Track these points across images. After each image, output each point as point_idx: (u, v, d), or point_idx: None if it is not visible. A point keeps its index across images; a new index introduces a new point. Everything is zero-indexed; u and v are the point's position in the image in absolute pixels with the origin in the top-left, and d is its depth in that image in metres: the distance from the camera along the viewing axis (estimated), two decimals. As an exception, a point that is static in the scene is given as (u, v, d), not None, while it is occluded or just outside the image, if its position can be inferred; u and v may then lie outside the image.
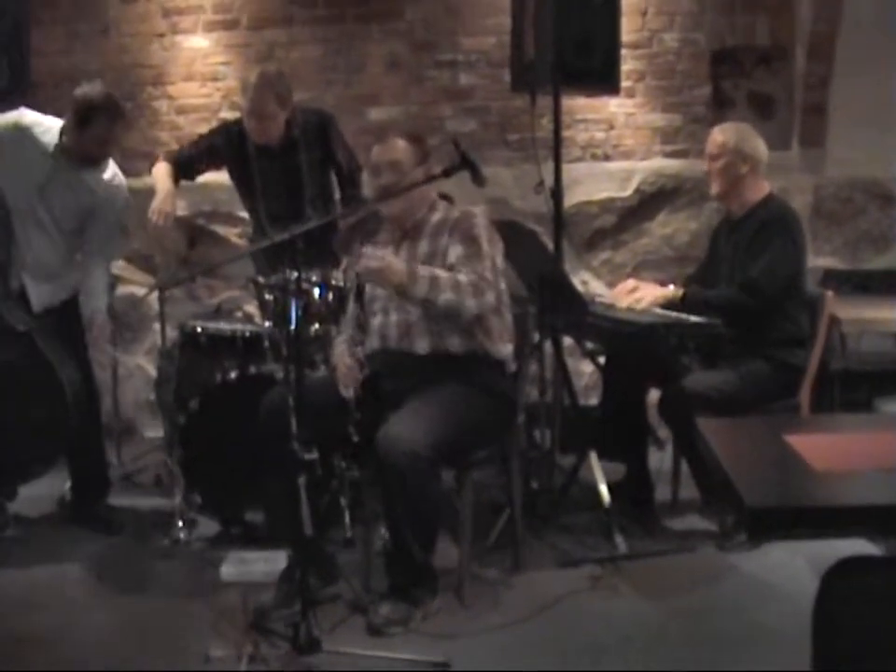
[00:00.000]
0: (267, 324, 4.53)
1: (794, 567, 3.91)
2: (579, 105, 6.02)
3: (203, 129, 5.50)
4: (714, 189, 4.50)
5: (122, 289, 5.83)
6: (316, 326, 4.39)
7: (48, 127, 4.36)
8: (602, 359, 4.93)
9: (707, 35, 6.07)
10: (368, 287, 3.84)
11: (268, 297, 4.53)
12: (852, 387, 5.21)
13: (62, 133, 4.32)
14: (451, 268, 3.71)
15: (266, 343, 4.45)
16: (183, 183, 4.96)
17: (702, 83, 6.11)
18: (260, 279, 4.55)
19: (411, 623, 3.56)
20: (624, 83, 5.44)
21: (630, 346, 4.39)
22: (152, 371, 6.00)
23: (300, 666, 3.24)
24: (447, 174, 3.60)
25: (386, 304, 3.81)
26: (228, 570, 4.03)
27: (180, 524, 4.38)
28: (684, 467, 4.53)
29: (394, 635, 3.51)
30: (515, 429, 4.04)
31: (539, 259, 4.48)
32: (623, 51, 5.12)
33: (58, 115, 4.37)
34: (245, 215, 5.31)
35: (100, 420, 4.71)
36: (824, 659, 2.21)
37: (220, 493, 4.38)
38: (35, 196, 4.34)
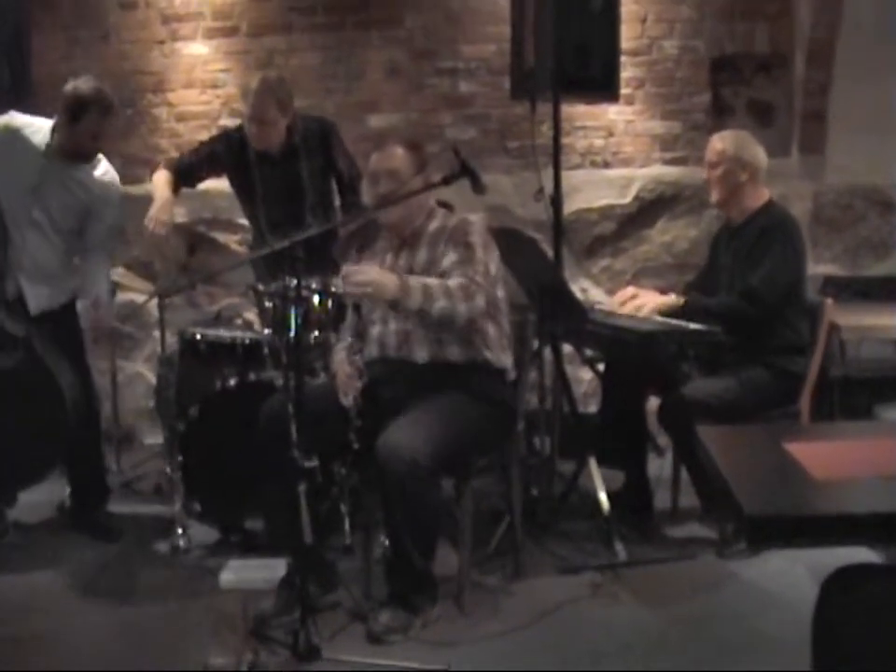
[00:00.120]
0: (267, 331, 4.53)
1: (794, 574, 3.91)
2: (578, 112, 6.02)
3: (203, 136, 5.52)
4: (714, 196, 4.50)
5: (122, 296, 5.82)
6: (316, 333, 4.38)
7: (38, 127, 4.36)
8: (602, 367, 4.92)
9: (706, 43, 6.08)
10: (365, 296, 3.84)
11: (268, 304, 4.52)
12: (852, 394, 5.22)
13: (53, 131, 4.32)
14: (443, 274, 3.70)
15: (266, 351, 4.44)
16: (183, 190, 4.96)
17: (701, 90, 6.12)
18: (260, 286, 4.54)
19: (411, 631, 3.56)
20: (624, 90, 5.45)
21: (630, 354, 4.39)
22: (152, 378, 6.00)
23: (299, 674, 3.24)
24: (447, 181, 3.59)
25: (385, 313, 3.80)
26: (227, 577, 4.03)
27: (180, 531, 4.38)
28: (684, 474, 4.52)
29: (394, 642, 3.50)
30: (515, 437, 4.03)
31: (539, 266, 4.48)
32: (623, 59, 5.13)
33: (56, 119, 4.38)
34: (244, 222, 5.31)
35: (99, 427, 4.71)
36: (824, 667, 2.21)
37: (220, 500, 4.37)
38: (30, 197, 4.33)
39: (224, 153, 4.91)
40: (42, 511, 4.78)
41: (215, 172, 5.00)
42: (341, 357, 3.88)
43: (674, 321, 4.28)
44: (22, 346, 4.22)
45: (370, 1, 6.12)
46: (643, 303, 4.44)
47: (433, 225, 3.87)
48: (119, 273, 4.60)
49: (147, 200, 4.78)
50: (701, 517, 4.49)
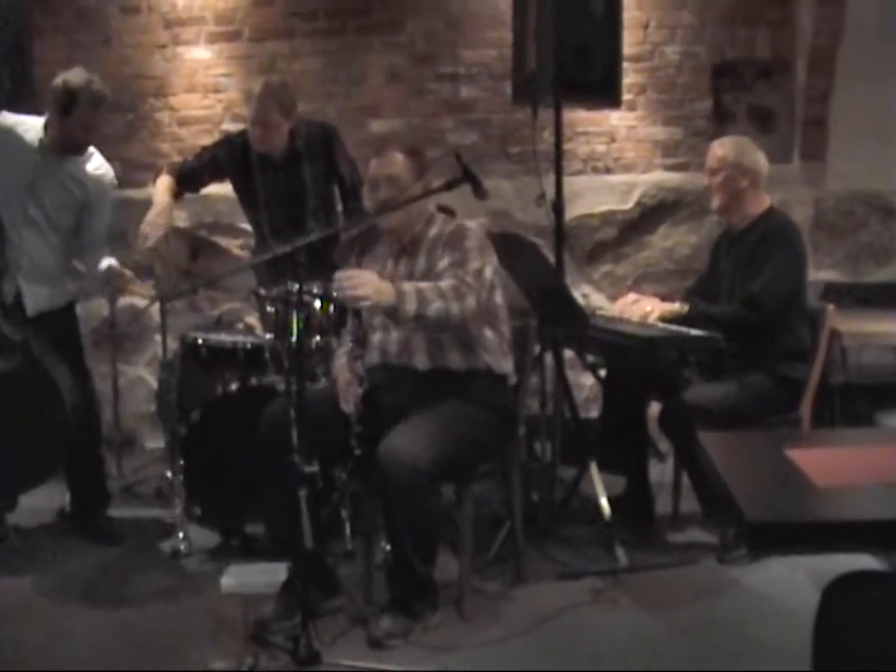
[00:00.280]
0: (268, 336, 4.53)
1: (795, 580, 3.91)
2: (580, 117, 6.03)
3: (205, 140, 5.52)
4: (714, 202, 4.50)
5: (123, 301, 5.83)
6: (318, 338, 4.38)
7: (30, 125, 4.36)
8: (603, 372, 4.93)
9: (707, 49, 6.09)
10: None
11: (269, 309, 4.52)
12: (853, 401, 5.21)
13: (45, 127, 4.33)
14: (436, 278, 3.69)
15: (267, 355, 4.44)
16: (185, 195, 4.97)
17: (703, 96, 6.13)
18: (262, 291, 4.54)
19: (411, 636, 3.56)
20: (626, 96, 5.43)
21: (631, 359, 4.39)
22: (153, 383, 6.01)
23: (300, 679, 3.24)
24: (449, 187, 3.59)
25: (386, 320, 3.79)
26: (228, 582, 4.00)
27: (180, 535, 4.37)
28: (685, 480, 4.52)
29: (394, 648, 3.50)
30: (516, 442, 4.04)
31: (541, 271, 4.48)
32: (625, 64, 5.12)
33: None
34: (246, 226, 5.31)
35: (99, 431, 4.71)
36: (825, 673, 2.21)
37: (221, 504, 4.37)
38: (25, 195, 4.33)
39: (227, 158, 4.92)
40: (42, 516, 4.78)
41: (217, 177, 5.01)
42: (341, 363, 3.88)
43: (675, 327, 4.28)
44: (21, 349, 4.21)
45: (371, 6, 6.13)
46: (652, 309, 4.44)
47: (432, 231, 3.86)
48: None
49: (149, 204, 4.78)
50: (702, 523, 4.49)
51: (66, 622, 3.81)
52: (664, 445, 4.80)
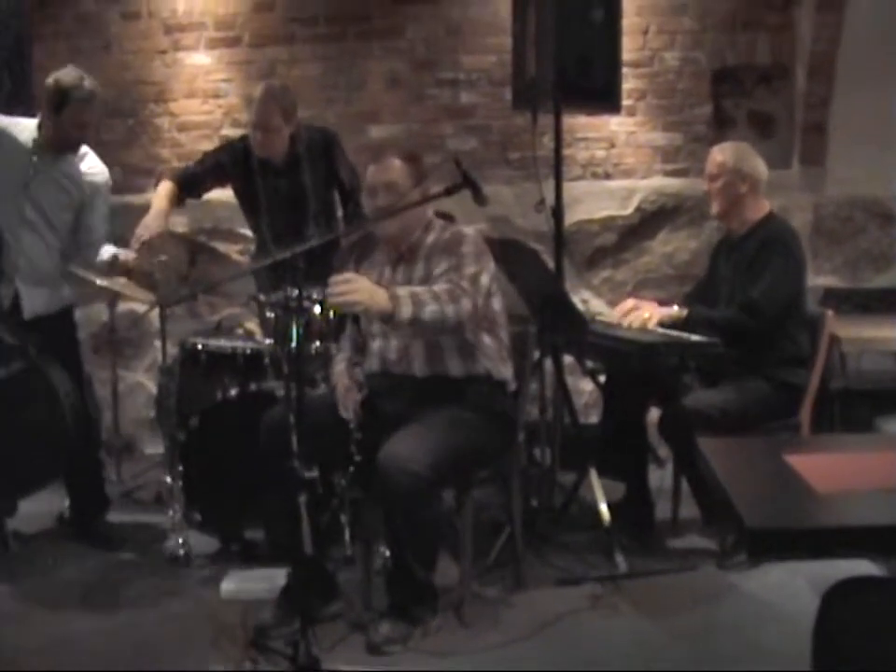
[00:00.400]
0: (268, 341, 4.53)
1: (795, 586, 3.90)
2: (580, 123, 6.04)
3: (205, 146, 5.53)
4: (714, 208, 4.51)
5: (123, 306, 5.83)
6: (317, 343, 4.38)
7: (24, 126, 4.37)
8: (602, 378, 4.92)
9: (707, 54, 6.09)
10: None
11: (269, 314, 4.52)
12: (853, 406, 5.21)
13: (39, 126, 4.33)
14: (432, 283, 3.66)
15: (267, 361, 4.45)
16: (186, 200, 4.98)
17: (703, 102, 6.13)
18: (262, 296, 4.55)
19: (410, 642, 3.56)
20: (625, 102, 5.44)
21: (630, 365, 4.38)
22: (152, 388, 6.01)
23: (299, 685, 3.23)
24: (448, 192, 3.57)
25: (385, 327, 3.76)
26: (227, 588, 4.02)
27: (180, 540, 4.37)
28: (684, 485, 4.52)
29: (394, 653, 3.50)
30: (515, 448, 4.03)
31: (540, 277, 4.48)
32: (624, 70, 5.13)
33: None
34: (246, 232, 5.32)
35: (98, 436, 4.72)
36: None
37: (220, 510, 4.37)
38: (21, 195, 4.32)
39: (228, 163, 4.93)
40: (42, 521, 4.78)
41: (219, 182, 5.01)
42: (340, 370, 3.88)
43: (675, 333, 4.28)
44: (18, 354, 4.21)
45: (371, 12, 6.14)
46: (647, 316, 4.44)
47: (430, 238, 3.85)
48: (119, 283, 4.59)
49: (149, 210, 4.79)
50: (702, 528, 4.49)
51: (66, 627, 3.80)
52: (663, 451, 4.80)
